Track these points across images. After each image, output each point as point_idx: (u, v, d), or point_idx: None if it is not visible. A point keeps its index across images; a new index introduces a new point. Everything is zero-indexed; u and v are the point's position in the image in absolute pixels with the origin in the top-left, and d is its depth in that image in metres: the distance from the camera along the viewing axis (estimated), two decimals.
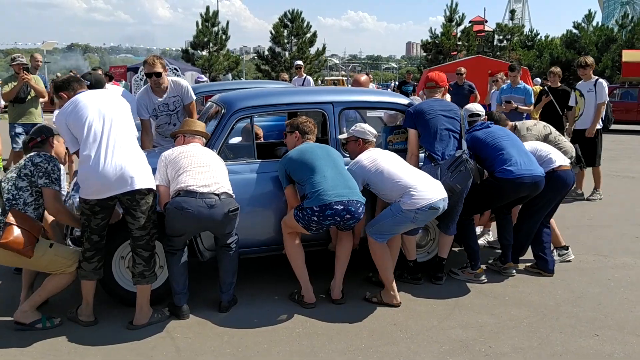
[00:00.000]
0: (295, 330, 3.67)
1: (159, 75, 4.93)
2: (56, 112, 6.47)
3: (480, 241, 5.32)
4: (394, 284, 4.06)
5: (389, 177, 3.95)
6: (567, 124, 8.04)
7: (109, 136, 3.50)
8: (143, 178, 3.54)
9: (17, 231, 3.43)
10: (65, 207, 3.76)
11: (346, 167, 4.09)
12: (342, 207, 3.73)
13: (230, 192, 3.77)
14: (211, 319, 3.82)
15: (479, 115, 4.83)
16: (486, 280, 4.47)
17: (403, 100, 4.82)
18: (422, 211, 3.84)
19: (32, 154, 3.69)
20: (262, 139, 6.03)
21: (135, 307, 3.68)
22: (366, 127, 4.32)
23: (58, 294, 3.79)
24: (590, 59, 7.68)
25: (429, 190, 3.88)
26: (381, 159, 4.08)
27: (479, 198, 4.41)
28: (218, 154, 4.10)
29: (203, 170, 3.72)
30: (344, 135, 4.36)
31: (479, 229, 5.47)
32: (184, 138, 4.04)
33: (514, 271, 4.61)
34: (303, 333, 3.63)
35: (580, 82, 7.81)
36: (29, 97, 7.60)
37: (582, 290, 4.34)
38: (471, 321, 3.79)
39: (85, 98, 3.62)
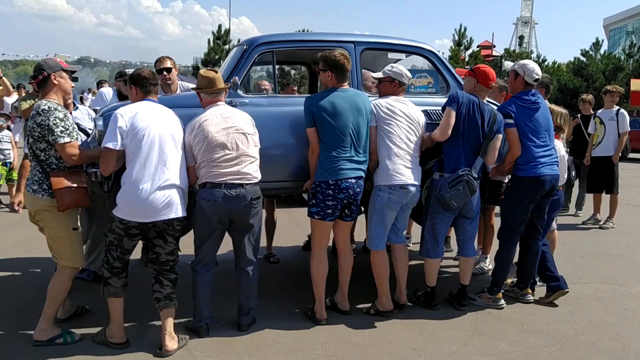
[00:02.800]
0: (315, 352, 3.66)
1: (169, 70, 4.93)
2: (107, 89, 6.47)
3: (477, 268, 5.29)
4: (388, 293, 4.18)
5: (388, 141, 4.03)
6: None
7: (163, 158, 3.48)
8: (183, 205, 3.59)
9: (67, 193, 3.45)
10: (83, 152, 3.57)
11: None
12: (354, 180, 3.90)
13: (257, 175, 3.78)
14: (231, 337, 3.81)
15: None
16: (505, 305, 4.46)
17: (426, 45, 4.75)
18: (394, 190, 4.01)
19: (33, 112, 3.48)
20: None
21: (163, 334, 3.57)
22: (403, 69, 4.21)
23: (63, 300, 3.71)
24: (618, 87, 7.78)
25: (405, 172, 4.03)
26: (398, 121, 4.06)
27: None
28: (239, 85, 4.14)
29: (228, 156, 3.66)
30: (379, 75, 4.26)
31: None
32: (205, 97, 3.80)
33: (532, 298, 4.61)
34: (323, 355, 3.62)
35: (600, 110, 7.88)
36: None
37: (600, 319, 4.33)
38: (491, 348, 3.78)
39: (151, 111, 3.56)
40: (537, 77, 4.33)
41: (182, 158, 3.63)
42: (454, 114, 4.10)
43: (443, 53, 31.25)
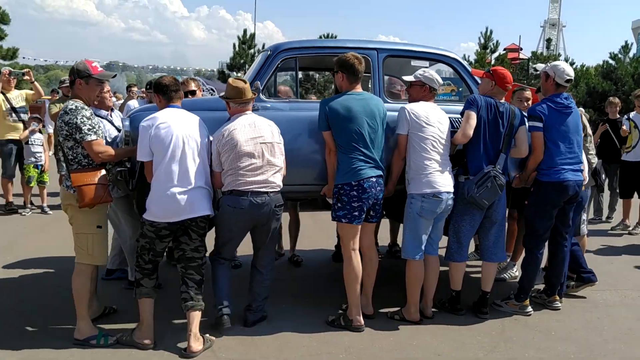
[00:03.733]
0: (339, 355, 3.66)
1: (193, 93, 5.12)
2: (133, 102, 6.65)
3: (505, 275, 5.27)
4: (417, 303, 4.17)
5: (420, 149, 4.01)
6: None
7: (187, 161, 3.60)
8: (208, 204, 3.72)
9: (87, 190, 3.56)
10: (110, 149, 3.70)
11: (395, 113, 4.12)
12: (375, 179, 3.92)
13: (280, 184, 3.86)
14: (256, 339, 3.84)
15: None
16: (532, 312, 4.40)
17: (449, 53, 4.74)
18: (427, 199, 3.99)
19: (61, 112, 3.62)
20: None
21: (188, 334, 3.61)
22: (435, 74, 4.20)
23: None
24: None
25: (439, 180, 4.00)
26: (431, 127, 4.03)
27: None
28: (262, 90, 4.22)
29: (254, 165, 3.74)
30: (410, 78, 4.25)
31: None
32: (233, 106, 3.87)
33: (559, 305, 4.54)
34: (347, 359, 3.62)
35: (633, 112, 7.71)
36: None
37: (629, 327, 4.24)
38: (517, 355, 3.73)
39: (173, 117, 3.67)
40: (568, 77, 4.26)
41: (204, 160, 3.73)
42: (474, 115, 4.08)
43: (469, 56, 31.05)
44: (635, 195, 7.65)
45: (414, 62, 5.05)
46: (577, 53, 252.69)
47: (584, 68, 35.26)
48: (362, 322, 4.04)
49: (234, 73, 25.30)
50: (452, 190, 4.10)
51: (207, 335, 3.75)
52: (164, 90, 3.78)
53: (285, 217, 5.86)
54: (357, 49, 4.37)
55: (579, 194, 4.37)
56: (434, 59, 4.79)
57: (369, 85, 4.53)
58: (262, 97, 4.31)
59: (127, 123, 4.07)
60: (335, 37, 28.38)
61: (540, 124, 4.21)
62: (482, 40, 30.20)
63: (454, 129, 4.22)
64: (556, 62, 4.37)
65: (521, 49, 34.08)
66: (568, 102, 4.31)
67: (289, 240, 5.94)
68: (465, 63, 4.76)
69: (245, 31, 25.15)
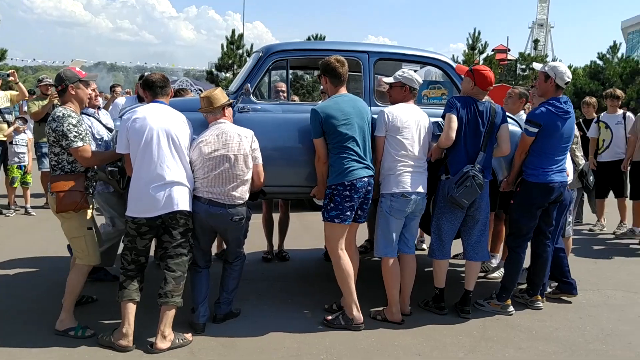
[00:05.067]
0: (320, 356, 3.64)
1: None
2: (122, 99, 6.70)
3: (496, 274, 5.27)
4: (398, 302, 4.16)
5: (392, 150, 4.05)
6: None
7: (163, 155, 3.62)
8: (188, 200, 3.71)
9: (64, 196, 3.66)
10: (96, 154, 3.89)
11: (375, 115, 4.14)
12: (366, 179, 3.95)
13: (242, 196, 3.85)
14: (236, 340, 3.81)
15: None
16: (513, 312, 4.41)
17: (440, 56, 4.76)
18: (396, 198, 4.03)
19: (49, 119, 3.73)
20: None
21: (156, 332, 3.62)
22: (414, 74, 4.23)
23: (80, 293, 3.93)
24: (620, 92, 7.63)
25: (407, 180, 4.04)
26: (407, 129, 4.06)
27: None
28: (252, 92, 4.26)
29: (212, 176, 3.75)
30: (390, 80, 4.28)
31: (494, 261, 5.44)
32: (209, 116, 3.92)
33: (542, 305, 4.55)
34: None
35: (603, 113, 7.74)
36: None
37: (612, 327, 4.25)
38: (498, 355, 3.73)
39: (153, 111, 3.71)
40: (568, 80, 4.25)
41: (184, 157, 3.73)
42: (454, 117, 4.09)
43: (457, 57, 31.18)
44: (613, 195, 7.69)
45: (405, 66, 5.09)
46: (565, 54, 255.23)
47: (572, 69, 35.55)
48: (362, 319, 4.04)
49: (222, 74, 25.27)
50: (423, 191, 4.12)
51: (183, 334, 3.73)
52: (150, 86, 3.85)
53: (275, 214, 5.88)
54: (348, 52, 4.41)
55: (563, 194, 4.38)
56: (424, 62, 4.83)
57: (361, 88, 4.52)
58: (253, 98, 4.33)
59: (118, 124, 4.09)
60: (325, 38, 28.44)
61: (535, 130, 4.19)
62: (471, 42, 30.38)
63: (440, 132, 4.21)
64: (555, 63, 4.33)
65: (509, 50, 34.27)
66: (567, 106, 4.27)
67: (278, 236, 5.93)
68: (455, 65, 4.76)
69: (233, 31, 25.08)
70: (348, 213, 3.94)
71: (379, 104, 4.43)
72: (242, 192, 3.85)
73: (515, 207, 4.43)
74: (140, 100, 5.59)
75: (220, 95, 3.90)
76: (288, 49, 4.48)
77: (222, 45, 24.92)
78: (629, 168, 7.31)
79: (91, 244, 3.86)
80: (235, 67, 25.11)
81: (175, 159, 3.67)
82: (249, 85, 4.26)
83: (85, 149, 3.70)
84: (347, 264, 4.03)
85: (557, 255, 4.68)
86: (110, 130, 4.59)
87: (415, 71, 4.34)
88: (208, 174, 3.75)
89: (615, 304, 4.78)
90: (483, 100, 4.24)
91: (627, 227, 7.46)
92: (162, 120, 3.69)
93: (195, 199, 3.78)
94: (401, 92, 4.21)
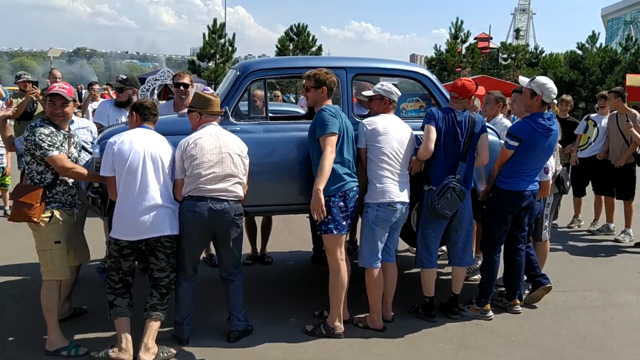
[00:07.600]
0: None
1: (186, 86, 5.17)
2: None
3: (477, 276, 5.36)
4: (380, 311, 4.24)
5: (376, 160, 4.09)
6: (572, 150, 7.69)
7: (147, 178, 3.61)
8: (173, 224, 3.71)
9: (19, 206, 3.63)
10: (75, 166, 3.77)
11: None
12: (356, 189, 4.03)
13: (240, 194, 3.87)
14: (219, 350, 3.85)
15: None
16: (493, 317, 4.51)
17: (419, 69, 4.81)
18: (382, 208, 4.06)
19: (26, 128, 3.74)
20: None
21: (141, 344, 3.63)
22: (392, 87, 4.28)
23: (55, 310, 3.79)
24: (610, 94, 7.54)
25: (393, 190, 4.08)
26: (387, 139, 4.10)
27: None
28: (231, 114, 4.27)
29: (216, 174, 3.75)
30: (369, 93, 4.34)
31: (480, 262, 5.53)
32: (200, 117, 3.91)
33: (520, 308, 4.66)
34: None
35: (595, 114, 7.80)
36: (36, 112, 7.28)
37: (586, 330, 4.38)
38: None
39: (139, 136, 3.72)
40: (554, 96, 4.30)
41: (169, 180, 3.73)
42: (433, 129, 4.16)
43: (440, 46, 31.26)
44: (593, 193, 7.78)
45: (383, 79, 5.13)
46: (546, 41, 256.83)
47: (553, 56, 35.89)
48: (343, 329, 4.11)
49: (205, 63, 25.08)
50: (407, 200, 4.18)
51: (166, 347, 3.76)
52: (142, 111, 3.85)
53: (258, 217, 5.88)
54: (326, 68, 4.41)
55: (534, 202, 4.48)
56: (403, 75, 4.87)
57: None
58: (232, 120, 4.33)
59: (97, 150, 4.06)
60: (306, 27, 28.30)
61: (516, 144, 4.24)
62: (453, 31, 30.48)
63: (419, 145, 4.26)
64: (542, 80, 4.31)
65: (491, 39, 34.48)
66: (550, 123, 4.29)
67: (260, 240, 5.97)
68: (434, 78, 4.77)
69: (215, 20, 24.87)
70: (344, 223, 4.00)
71: (357, 120, 4.43)
72: (240, 190, 3.87)
73: (487, 213, 4.53)
74: (119, 105, 5.48)
75: (218, 104, 3.98)
76: (265, 67, 4.49)
77: (204, 35, 24.71)
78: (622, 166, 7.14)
79: (58, 258, 3.75)
80: (217, 56, 24.95)
81: (162, 183, 3.68)
82: (226, 108, 4.26)
83: (62, 158, 3.67)
84: (345, 276, 4.09)
85: (527, 255, 4.76)
86: (89, 152, 4.41)
87: (394, 85, 4.37)
88: (209, 172, 3.71)
89: (591, 305, 4.92)
90: (462, 109, 4.30)
91: (602, 223, 7.62)
92: (147, 143, 3.69)
93: (195, 199, 3.73)
94: (381, 105, 4.26)
